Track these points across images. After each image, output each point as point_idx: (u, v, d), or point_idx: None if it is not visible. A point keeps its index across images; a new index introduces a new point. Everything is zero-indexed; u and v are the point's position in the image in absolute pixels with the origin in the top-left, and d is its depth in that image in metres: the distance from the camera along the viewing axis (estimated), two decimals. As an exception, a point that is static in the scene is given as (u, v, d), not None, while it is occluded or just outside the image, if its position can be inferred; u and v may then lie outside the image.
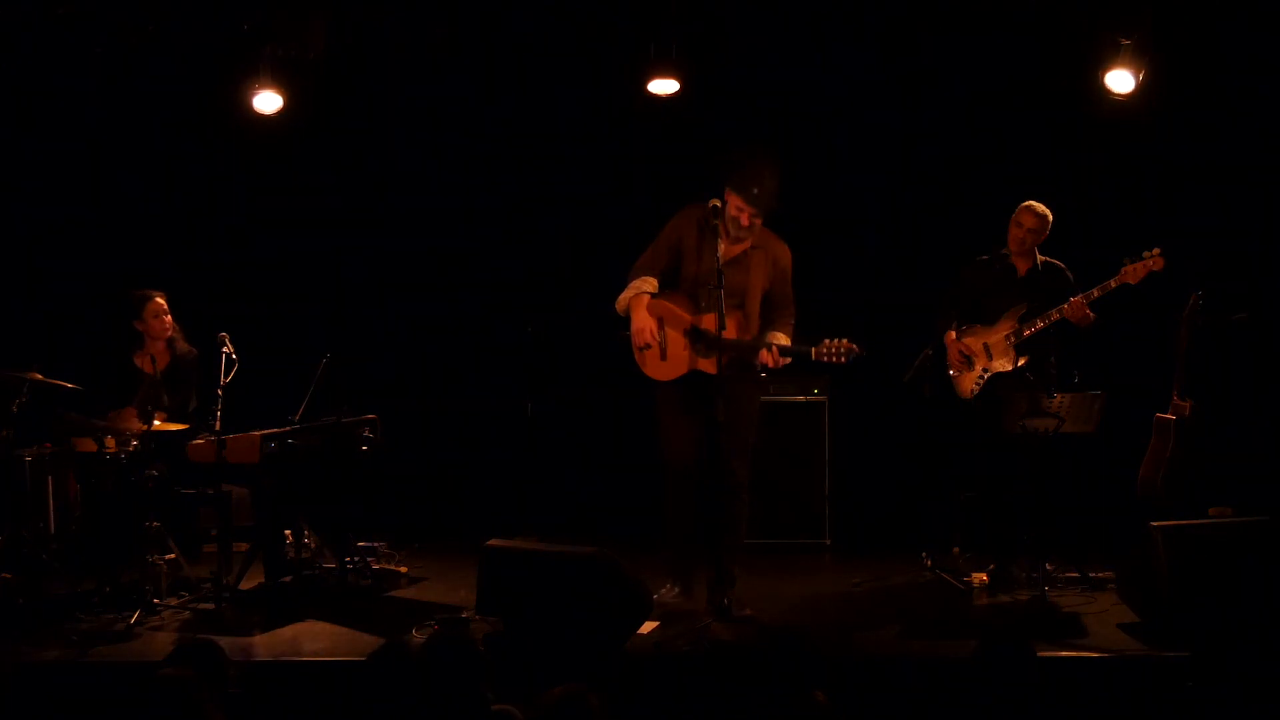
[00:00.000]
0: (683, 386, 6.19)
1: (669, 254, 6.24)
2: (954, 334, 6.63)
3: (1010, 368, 6.50)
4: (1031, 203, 6.56)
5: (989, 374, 6.55)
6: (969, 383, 6.60)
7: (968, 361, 6.59)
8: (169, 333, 6.79)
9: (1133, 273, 6.28)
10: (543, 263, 8.24)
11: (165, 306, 6.79)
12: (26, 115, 7.82)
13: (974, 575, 6.46)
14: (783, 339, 6.12)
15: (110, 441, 6.26)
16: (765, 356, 6.00)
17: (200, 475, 6.40)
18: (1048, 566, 6.28)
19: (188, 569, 6.48)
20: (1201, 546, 5.62)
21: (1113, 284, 6.32)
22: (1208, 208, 7.50)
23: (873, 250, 7.86)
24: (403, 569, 6.94)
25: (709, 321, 6.00)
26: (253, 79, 7.37)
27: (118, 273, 7.81)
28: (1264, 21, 7.14)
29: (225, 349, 6.40)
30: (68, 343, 7.47)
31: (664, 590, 6.20)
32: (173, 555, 6.43)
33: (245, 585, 6.45)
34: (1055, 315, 6.37)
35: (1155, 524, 5.70)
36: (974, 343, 6.59)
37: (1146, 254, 6.26)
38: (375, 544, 6.98)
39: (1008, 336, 6.49)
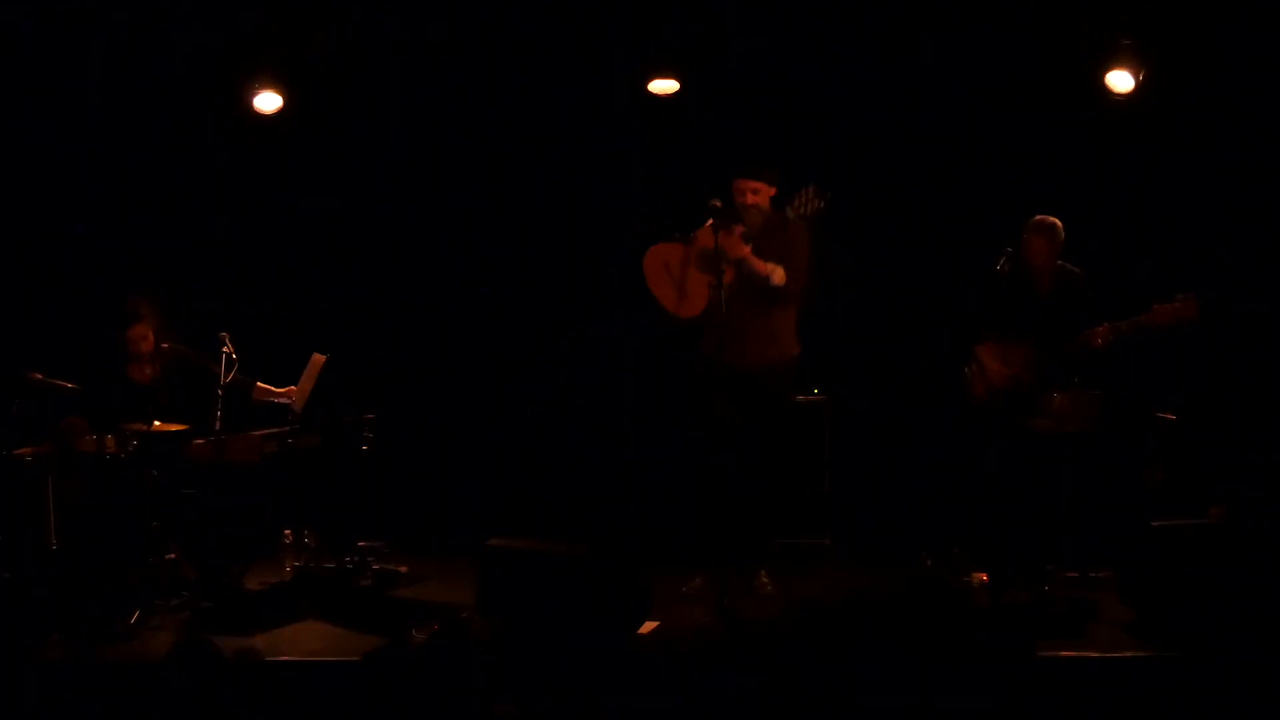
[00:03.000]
0: (716, 377, 6.27)
1: None
2: (986, 345, 6.57)
3: (1024, 379, 6.47)
4: (1041, 219, 6.44)
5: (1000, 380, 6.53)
6: (982, 386, 6.57)
7: (985, 366, 6.55)
8: (147, 355, 6.72)
9: (1163, 314, 6.17)
10: (543, 261, 8.24)
11: (145, 333, 6.70)
12: (26, 115, 7.83)
13: (974, 575, 6.46)
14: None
15: (110, 441, 6.26)
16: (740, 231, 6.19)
17: (201, 475, 6.41)
18: (1048, 566, 6.28)
19: (188, 569, 6.48)
20: (1201, 546, 5.62)
21: (1143, 322, 6.18)
22: (1208, 206, 7.49)
23: (871, 250, 7.85)
24: (403, 569, 6.93)
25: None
26: (253, 79, 7.38)
27: (117, 272, 7.84)
28: (1264, 21, 7.13)
29: (225, 349, 6.41)
30: (68, 344, 7.46)
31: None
32: (173, 555, 6.43)
33: (245, 585, 6.45)
34: (1081, 341, 6.32)
35: (1155, 524, 5.70)
36: (994, 351, 6.55)
37: (1179, 296, 6.10)
38: (375, 544, 6.98)
39: (1027, 360, 6.44)
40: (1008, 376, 6.43)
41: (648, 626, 5.70)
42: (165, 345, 6.76)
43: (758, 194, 6.30)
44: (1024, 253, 6.44)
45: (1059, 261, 6.48)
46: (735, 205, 6.26)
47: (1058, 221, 6.42)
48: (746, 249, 6.20)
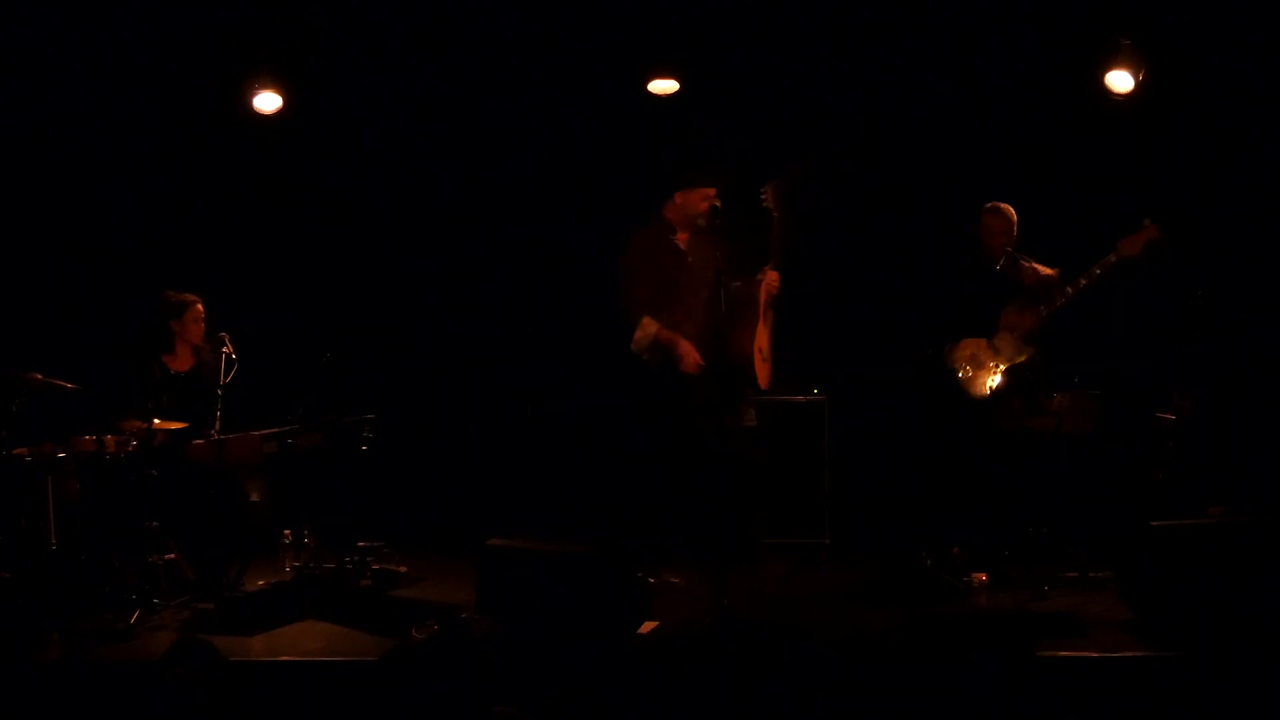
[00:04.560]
0: (712, 379, 6.26)
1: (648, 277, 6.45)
2: (958, 342, 6.61)
3: (1023, 359, 6.49)
4: (994, 204, 6.63)
5: (1003, 370, 6.52)
6: (983, 383, 6.57)
7: (976, 360, 6.56)
8: (200, 339, 6.85)
9: (1128, 245, 6.25)
10: (543, 261, 8.23)
11: (204, 313, 6.89)
12: (26, 115, 7.83)
13: (974, 575, 6.46)
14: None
15: (110, 441, 6.26)
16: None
17: (201, 475, 6.41)
18: (1046, 566, 6.28)
19: (188, 569, 6.48)
20: (1201, 546, 5.62)
21: (1112, 258, 6.27)
22: (1209, 206, 7.49)
23: (871, 250, 7.85)
24: (403, 569, 6.93)
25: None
26: (253, 79, 7.38)
27: (117, 272, 7.84)
28: (1263, 21, 7.13)
29: (225, 349, 6.42)
30: (68, 342, 7.46)
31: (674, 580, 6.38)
32: (172, 555, 6.43)
33: (245, 585, 6.45)
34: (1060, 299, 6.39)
35: (1155, 524, 5.70)
36: (979, 344, 6.56)
37: (1146, 223, 6.24)
38: (375, 544, 6.98)
39: (1014, 332, 6.48)
40: (994, 369, 6.48)
41: (648, 626, 5.70)
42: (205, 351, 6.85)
43: (708, 199, 6.32)
44: (980, 236, 6.59)
45: (1013, 251, 6.56)
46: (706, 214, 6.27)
47: (1004, 205, 6.60)
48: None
